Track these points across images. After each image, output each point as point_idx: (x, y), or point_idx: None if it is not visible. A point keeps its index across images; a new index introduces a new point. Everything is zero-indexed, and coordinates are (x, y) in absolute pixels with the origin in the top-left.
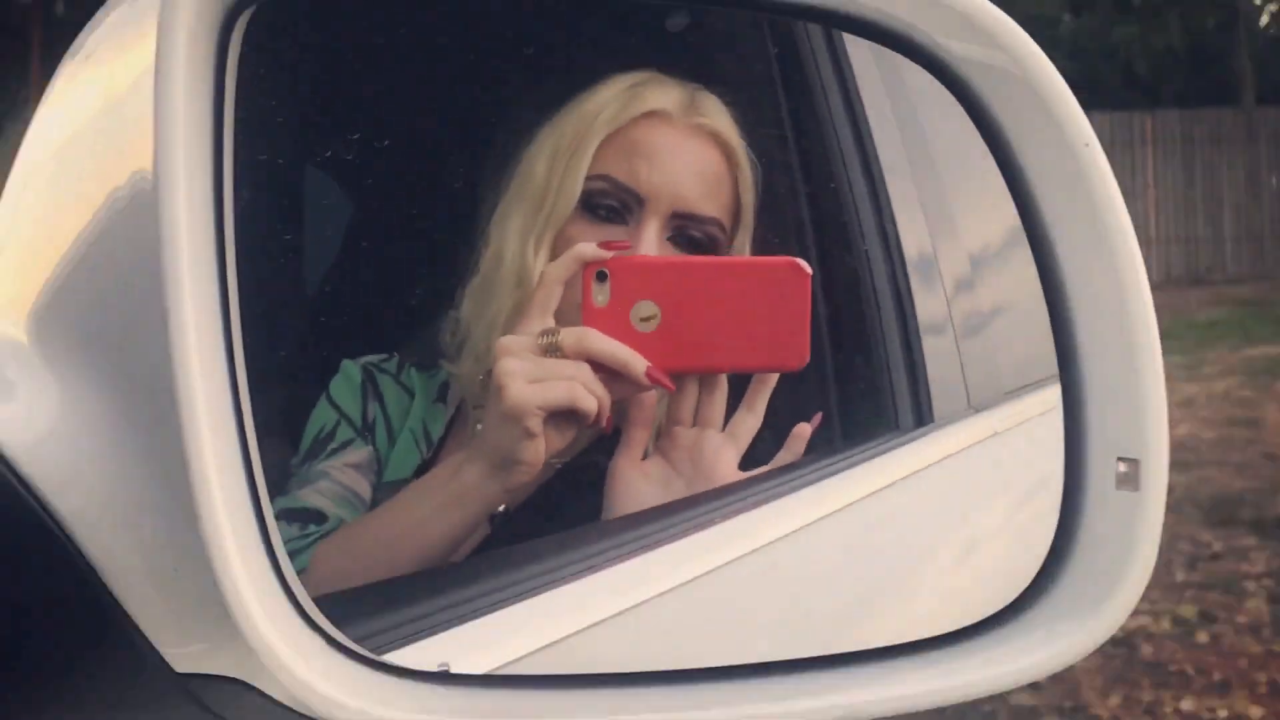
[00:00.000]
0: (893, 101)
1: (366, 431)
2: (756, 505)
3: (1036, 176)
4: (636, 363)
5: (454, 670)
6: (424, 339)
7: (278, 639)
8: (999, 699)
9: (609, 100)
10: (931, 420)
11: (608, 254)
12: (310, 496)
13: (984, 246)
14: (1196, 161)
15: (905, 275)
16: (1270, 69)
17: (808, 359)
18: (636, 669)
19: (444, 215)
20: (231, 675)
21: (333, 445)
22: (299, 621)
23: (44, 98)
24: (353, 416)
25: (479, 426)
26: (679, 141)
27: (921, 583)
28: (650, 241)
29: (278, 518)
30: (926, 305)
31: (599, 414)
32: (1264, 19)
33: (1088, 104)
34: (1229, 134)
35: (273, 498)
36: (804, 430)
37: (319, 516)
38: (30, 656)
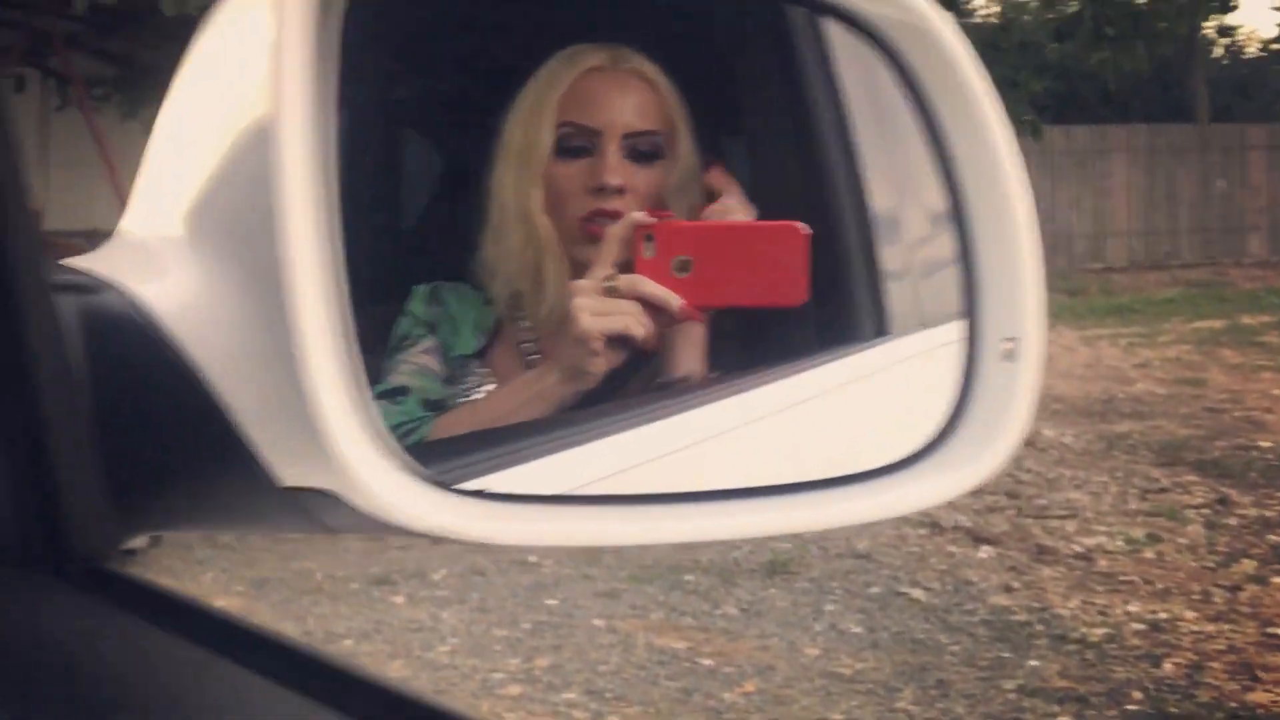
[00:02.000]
0: (866, 79)
1: (433, 328)
2: (760, 385)
3: (947, 126)
4: (674, 301)
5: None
6: (473, 268)
7: (359, 463)
8: (933, 529)
9: (557, 67)
10: (889, 333)
11: (653, 220)
12: (395, 378)
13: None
14: (1159, 167)
15: (872, 227)
16: (1222, 92)
17: (807, 298)
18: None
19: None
20: (325, 488)
21: (408, 342)
22: (380, 453)
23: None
24: (423, 319)
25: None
26: (613, 84)
27: (871, 434)
28: (613, 161)
29: (377, 397)
30: (889, 252)
31: (646, 339)
32: (1218, 50)
33: (1070, 119)
34: (1186, 145)
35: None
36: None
37: (404, 390)
38: (169, 474)
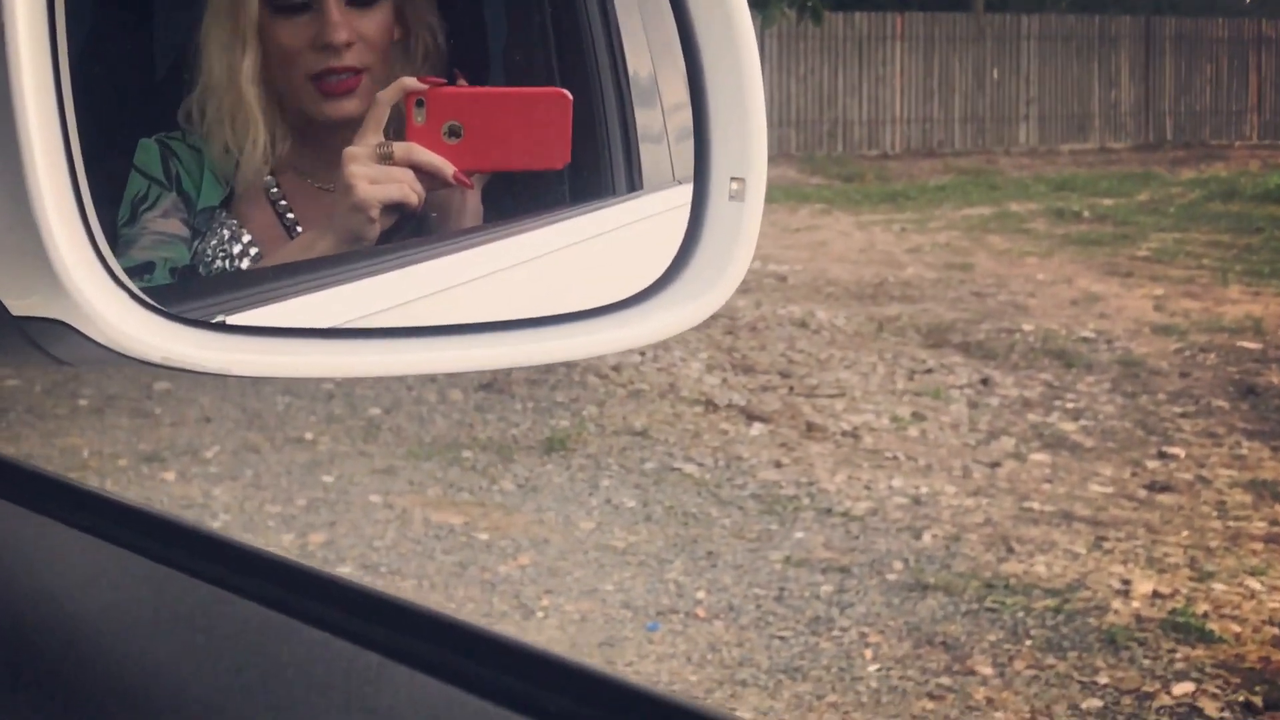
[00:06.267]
0: None
1: (172, 183)
2: (518, 233)
3: None
4: (446, 167)
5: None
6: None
7: (90, 290)
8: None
9: None
10: (641, 189)
11: (424, 86)
12: (138, 252)
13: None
14: (935, 56)
15: (629, 89)
16: None
17: (569, 160)
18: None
19: None
20: (57, 318)
21: (146, 205)
22: (110, 282)
23: None
24: (158, 177)
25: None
26: None
27: (617, 275)
28: (335, 16)
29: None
30: (646, 115)
31: (418, 205)
32: None
33: (850, 5)
34: (962, 34)
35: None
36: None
37: (149, 266)
38: None
